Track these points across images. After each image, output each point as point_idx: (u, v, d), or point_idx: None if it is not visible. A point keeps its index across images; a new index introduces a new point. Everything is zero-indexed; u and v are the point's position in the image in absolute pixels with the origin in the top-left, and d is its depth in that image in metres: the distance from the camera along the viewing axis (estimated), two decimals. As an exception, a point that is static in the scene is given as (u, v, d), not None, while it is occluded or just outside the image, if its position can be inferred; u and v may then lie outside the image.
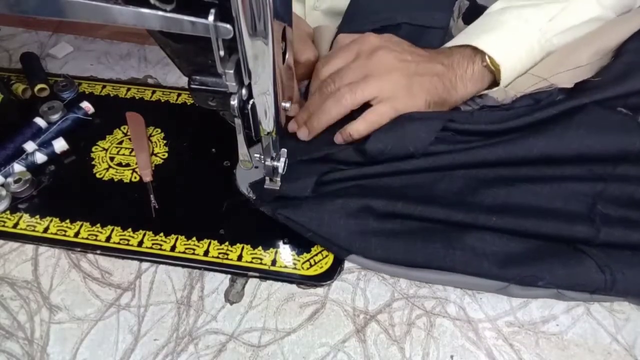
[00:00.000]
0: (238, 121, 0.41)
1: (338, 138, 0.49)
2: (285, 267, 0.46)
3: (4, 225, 0.49)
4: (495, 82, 0.52)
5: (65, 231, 0.48)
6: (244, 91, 0.39)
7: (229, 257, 0.47)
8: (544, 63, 0.52)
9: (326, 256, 0.47)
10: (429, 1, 0.58)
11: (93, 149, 0.55)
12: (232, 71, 0.36)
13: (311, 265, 0.46)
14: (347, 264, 0.47)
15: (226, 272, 0.46)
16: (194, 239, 0.48)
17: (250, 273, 0.46)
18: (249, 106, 0.40)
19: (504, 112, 0.49)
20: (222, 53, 0.35)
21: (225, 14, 0.33)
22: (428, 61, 0.50)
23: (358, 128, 0.48)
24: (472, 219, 0.44)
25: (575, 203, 0.45)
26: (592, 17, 0.52)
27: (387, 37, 0.51)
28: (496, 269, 0.42)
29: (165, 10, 0.33)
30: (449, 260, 0.43)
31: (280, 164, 0.47)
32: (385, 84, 0.48)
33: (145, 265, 0.47)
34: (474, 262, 0.42)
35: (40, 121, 0.56)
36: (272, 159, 0.47)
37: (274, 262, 0.46)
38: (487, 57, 0.50)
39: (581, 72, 0.49)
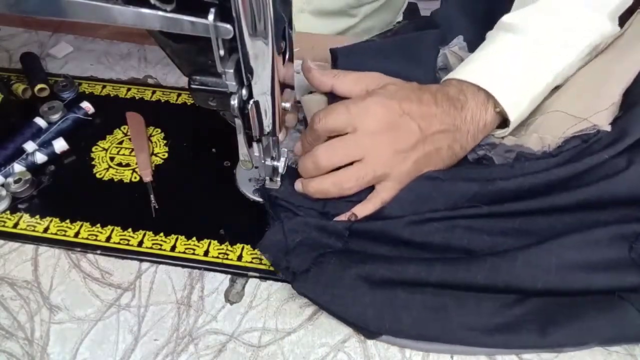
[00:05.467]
0: (238, 121, 0.41)
1: (340, 218, 0.46)
2: (285, 267, 0.46)
3: (4, 225, 0.49)
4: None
5: (65, 231, 0.48)
6: (244, 91, 0.39)
7: (229, 257, 0.47)
8: (576, 100, 0.48)
9: (326, 256, 0.47)
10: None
11: (93, 149, 0.55)
12: (232, 70, 0.36)
13: (311, 265, 0.46)
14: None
15: (226, 272, 0.46)
16: (194, 239, 0.48)
17: (250, 273, 0.46)
18: (249, 106, 0.40)
19: (550, 158, 0.45)
20: (222, 53, 0.35)
21: (225, 14, 0.33)
22: (439, 130, 0.45)
23: (364, 211, 0.46)
24: (517, 284, 0.41)
25: (609, 250, 0.42)
26: (604, 36, 0.48)
27: (388, 110, 0.44)
28: (538, 337, 0.39)
29: (165, 10, 0.33)
30: (490, 342, 0.40)
31: (281, 164, 0.47)
32: (387, 170, 0.45)
33: (145, 265, 0.47)
34: (514, 338, 0.40)
35: (40, 121, 0.56)
36: (272, 158, 0.47)
37: (274, 262, 0.46)
38: (500, 104, 0.45)
39: (615, 108, 0.46)
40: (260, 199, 0.50)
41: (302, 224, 0.45)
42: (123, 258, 0.47)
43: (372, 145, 0.44)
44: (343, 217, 0.46)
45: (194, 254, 0.47)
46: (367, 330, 0.42)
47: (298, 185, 0.48)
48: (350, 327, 0.43)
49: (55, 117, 0.56)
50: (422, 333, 0.41)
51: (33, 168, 0.53)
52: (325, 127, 0.45)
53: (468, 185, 0.45)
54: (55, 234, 0.48)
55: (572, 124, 0.46)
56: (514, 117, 0.46)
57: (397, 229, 0.44)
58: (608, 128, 0.45)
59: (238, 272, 0.46)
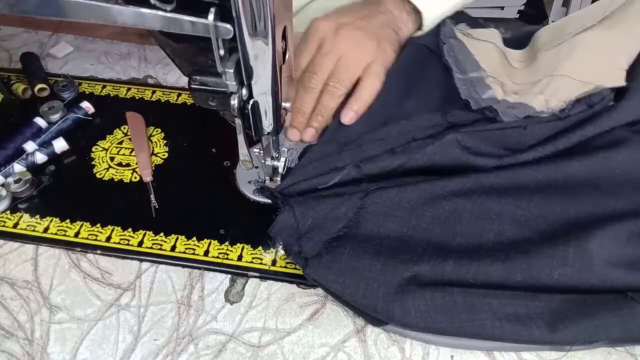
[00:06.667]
0: (238, 121, 0.41)
1: (346, 119, 0.49)
2: (285, 267, 0.46)
3: (4, 225, 0.49)
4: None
5: (65, 231, 0.48)
6: (244, 91, 0.39)
7: (229, 257, 0.47)
8: (583, 66, 0.50)
9: (326, 256, 0.47)
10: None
11: (93, 149, 0.55)
12: (232, 70, 0.36)
13: (311, 265, 0.46)
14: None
15: (226, 272, 0.46)
16: (194, 239, 0.48)
17: (250, 273, 0.46)
18: (249, 106, 0.40)
19: (558, 121, 0.47)
20: (222, 52, 0.35)
21: (225, 14, 0.33)
22: (372, 16, 0.53)
23: (360, 106, 0.49)
24: (533, 279, 0.41)
25: (626, 247, 0.42)
26: None
27: (333, 15, 0.52)
28: (547, 333, 0.39)
29: (165, 10, 0.33)
30: (498, 333, 0.39)
31: (281, 164, 0.47)
32: (362, 56, 0.50)
33: (145, 265, 0.47)
34: (524, 331, 0.39)
35: (40, 121, 0.56)
36: (273, 158, 0.47)
37: (274, 262, 0.46)
38: (412, 2, 0.53)
39: (622, 75, 0.47)
40: (260, 199, 0.50)
41: (313, 204, 0.44)
42: (123, 258, 0.47)
43: (340, 43, 0.50)
44: (347, 118, 0.48)
45: (194, 254, 0.47)
46: (376, 319, 0.42)
47: (309, 133, 0.50)
48: (357, 314, 0.43)
49: (55, 117, 0.56)
50: (429, 326, 0.40)
51: (33, 168, 0.53)
52: (301, 63, 0.50)
53: (486, 161, 0.46)
54: (55, 234, 0.48)
55: (577, 87, 0.47)
56: (427, 14, 0.53)
57: (411, 194, 0.45)
58: (619, 83, 0.46)
59: (238, 272, 0.46)
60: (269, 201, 0.49)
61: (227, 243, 0.48)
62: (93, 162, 0.54)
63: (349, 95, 0.50)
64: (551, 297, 0.40)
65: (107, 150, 0.55)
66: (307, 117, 0.50)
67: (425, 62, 0.53)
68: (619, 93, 0.48)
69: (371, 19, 0.52)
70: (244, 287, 0.46)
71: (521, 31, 0.61)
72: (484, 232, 0.44)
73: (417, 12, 0.54)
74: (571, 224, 0.43)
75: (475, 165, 0.46)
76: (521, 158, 0.46)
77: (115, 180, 0.53)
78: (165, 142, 0.56)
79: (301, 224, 0.44)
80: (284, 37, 0.38)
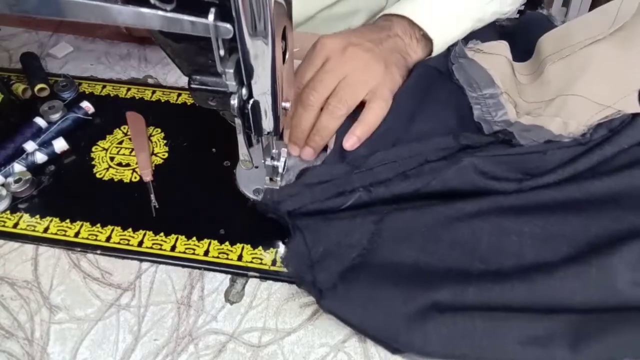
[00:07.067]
0: (238, 121, 0.41)
1: (347, 144, 0.48)
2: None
3: (4, 225, 0.49)
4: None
5: (65, 231, 0.48)
6: (244, 91, 0.39)
7: (229, 257, 0.47)
8: (597, 85, 0.49)
9: (326, 256, 0.47)
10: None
11: (93, 149, 0.55)
12: (232, 70, 0.36)
13: (311, 265, 0.46)
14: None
15: (226, 272, 0.46)
16: (194, 239, 0.48)
17: (250, 273, 0.46)
18: (249, 106, 0.40)
19: (578, 147, 0.46)
20: (222, 52, 0.35)
21: (225, 14, 0.33)
22: (381, 41, 0.52)
23: (364, 131, 0.48)
24: (555, 301, 0.40)
25: None
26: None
27: (342, 34, 0.52)
28: (570, 353, 0.38)
29: (165, 10, 0.33)
30: (520, 357, 0.39)
31: (280, 164, 0.47)
32: (369, 78, 0.49)
33: (145, 265, 0.47)
34: (546, 354, 0.38)
35: (40, 121, 0.56)
36: (272, 158, 0.47)
37: (274, 262, 0.46)
38: (422, 29, 0.53)
39: (637, 95, 0.47)
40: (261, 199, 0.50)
41: (325, 230, 0.44)
42: (123, 258, 0.47)
43: (346, 61, 0.49)
44: (352, 137, 0.48)
45: (194, 253, 0.47)
46: (394, 348, 0.40)
47: (307, 152, 0.50)
48: (377, 343, 0.41)
49: (55, 116, 0.56)
50: (451, 352, 0.39)
51: (33, 168, 0.53)
52: (303, 78, 0.50)
53: (505, 185, 0.45)
54: (55, 234, 0.48)
55: (596, 111, 0.47)
56: (438, 40, 0.54)
57: (427, 217, 0.44)
58: (630, 111, 0.46)
59: (238, 272, 0.46)
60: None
61: (227, 243, 0.48)
62: (93, 162, 0.54)
63: (353, 118, 0.49)
64: (570, 317, 0.40)
65: (107, 150, 0.55)
66: (305, 134, 0.49)
67: (434, 84, 0.53)
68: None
69: (381, 43, 0.52)
70: (244, 287, 0.46)
71: (520, 20, 0.60)
72: (504, 255, 0.43)
73: (427, 39, 0.53)
74: (592, 243, 0.43)
75: (493, 189, 0.45)
76: (541, 181, 0.45)
77: (115, 180, 0.53)
78: (165, 142, 0.56)
79: (313, 251, 0.43)
80: (284, 37, 0.38)
